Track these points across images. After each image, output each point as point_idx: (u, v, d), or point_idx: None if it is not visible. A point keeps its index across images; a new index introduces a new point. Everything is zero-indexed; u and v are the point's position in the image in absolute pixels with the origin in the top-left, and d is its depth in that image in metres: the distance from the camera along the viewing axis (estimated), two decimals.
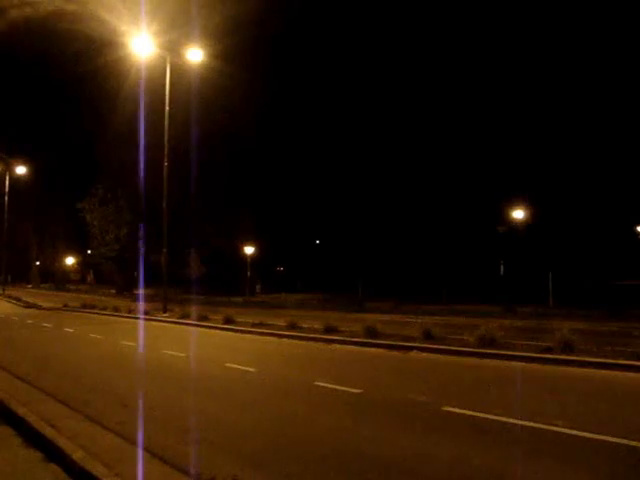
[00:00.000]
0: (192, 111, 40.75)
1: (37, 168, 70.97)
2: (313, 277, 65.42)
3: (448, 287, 47.25)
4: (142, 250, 44.49)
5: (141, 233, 46.06)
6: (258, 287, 63.42)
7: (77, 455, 8.21)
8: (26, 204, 78.72)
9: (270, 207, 64.17)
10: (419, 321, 24.92)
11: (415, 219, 56.86)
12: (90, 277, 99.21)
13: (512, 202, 44.57)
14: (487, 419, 10.10)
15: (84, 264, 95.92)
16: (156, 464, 7.86)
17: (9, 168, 66.29)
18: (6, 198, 65.41)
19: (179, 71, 35.55)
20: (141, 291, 41.76)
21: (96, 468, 7.64)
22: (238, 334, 24.90)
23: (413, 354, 18.06)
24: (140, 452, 8.37)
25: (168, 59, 33.81)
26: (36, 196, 79.30)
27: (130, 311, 35.74)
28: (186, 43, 33.60)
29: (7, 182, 65.47)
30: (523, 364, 15.83)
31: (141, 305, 35.82)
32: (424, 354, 17.95)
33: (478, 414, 10.38)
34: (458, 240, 54.89)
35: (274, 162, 61.23)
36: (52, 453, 8.73)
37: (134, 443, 8.81)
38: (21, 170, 67.28)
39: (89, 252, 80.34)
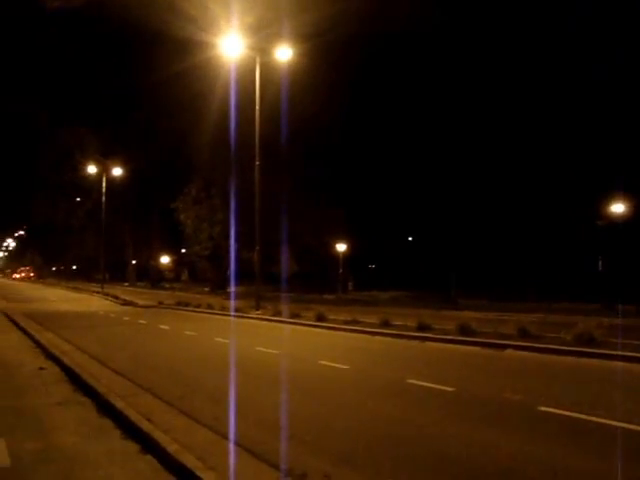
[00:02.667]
0: (282, 109, 41.14)
1: (132, 169, 73.50)
2: (406, 274, 64.93)
3: (544, 284, 46.06)
4: (234, 248, 45.33)
5: (233, 231, 46.92)
6: (350, 284, 63.50)
7: (172, 448, 8.51)
8: (122, 205, 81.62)
9: (362, 204, 64.10)
10: (514, 318, 24.39)
11: (509, 214, 55.66)
12: (184, 275, 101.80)
13: (611, 195, 42.99)
14: (586, 420, 9.83)
15: (179, 262, 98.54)
16: (248, 458, 8.04)
17: (105, 170, 68.91)
18: (103, 199, 68.04)
19: (269, 68, 36.05)
20: (233, 289, 42.59)
21: (190, 461, 7.90)
22: (330, 331, 25.05)
23: (508, 352, 17.74)
24: (232, 446, 8.59)
25: (258, 59, 34.29)
26: (132, 196, 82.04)
27: (223, 308, 36.48)
28: (276, 41, 33.99)
29: (104, 183, 68.09)
30: (624, 364, 15.28)
31: (233, 302, 36.48)
32: (519, 352, 17.59)
33: (576, 415, 10.11)
34: (553, 236, 53.37)
35: (366, 159, 61.13)
36: (148, 445, 9.07)
37: (227, 438, 9.04)
38: (117, 171, 69.82)
39: (183, 251, 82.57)
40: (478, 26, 55.09)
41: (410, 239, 77.44)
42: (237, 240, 49.70)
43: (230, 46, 33.12)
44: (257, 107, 34.33)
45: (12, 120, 77.60)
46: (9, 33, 75.37)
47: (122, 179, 72.39)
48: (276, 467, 7.63)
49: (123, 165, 70.10)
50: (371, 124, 58.13)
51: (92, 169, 72.41)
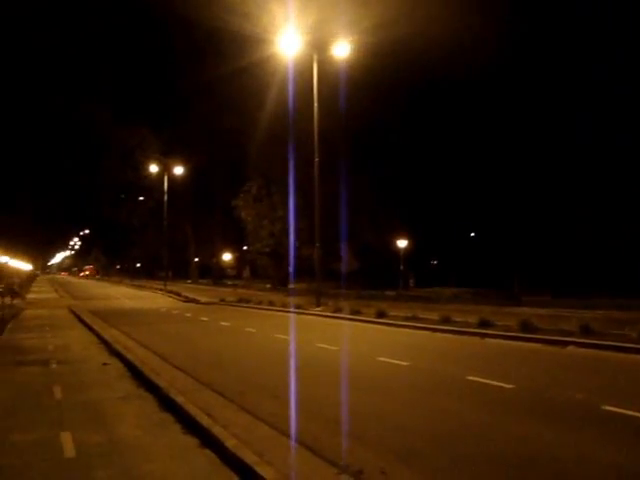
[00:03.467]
0: (340, 105, 41.15)
1: (193, 168, 74.60)
2: (467, 270, 64.24)
3: (608, 280, 44.99)
4: (293, 245, 45.62)
5: (292, 228, 47.20)
6: (411, 281, 63.13)
7: (230, 443, 8.66)
8: (184, 203, 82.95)
9: (423, 199, 63.60)
10: (576, 315, 23.90)
11: (573, 210, 54.47)
12: (246, 272, 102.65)
13: None
14: None
15: (240, 259, 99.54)
16: (306, 454, 8.13)
17: (166, 169, 70.14)
18: (165, 197, 69.29)
19: (327, 65, 36.11)
20: (292, 285, 42.87)
21: (248, 456, 8.03)
22: (391, 328, 25.00)
23: (570, 349, 17.40)
24: (290, 442, 8.69)
25: (316, 57, 34.39)
26: (193, 195, 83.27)
27: (284, 305, 36.76)
28: (334, 37, 34.00)
29: (165, 182, 69.32)
30: None
31: (293, 299, 36.72)
32: (582, 349, 17.21)
33: None
34: (619, 232, 51.98)
35: (428, 154, 60.59)
36: (208, 440, 9.26)
37: (285, 433, 9.15)
38: (178, 170, 71.00)
39: (245, 248, 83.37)
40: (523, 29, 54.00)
41: (472, 235, 76.53)
42: (297, 237, 49.97)
43: (288, 43, 33.29)
44: (315, 104, 34.44)
45: (78, 122, 79.66)
46: (75, 36, 77.38)
47: (183, 177, 73.52)
48: (333, 463, 7.69)
49: (184, 164, 71.20)
50: (432, 119, 57.58)
51: (153, 168, 73.82)
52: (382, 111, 49.82)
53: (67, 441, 9.64)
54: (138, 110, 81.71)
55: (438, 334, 22.20)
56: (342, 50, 33.98)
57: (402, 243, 57.02)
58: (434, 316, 24.98)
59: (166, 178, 69.42)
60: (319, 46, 34.27)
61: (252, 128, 60.95)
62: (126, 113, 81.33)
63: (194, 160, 73.44)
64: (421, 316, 25.68)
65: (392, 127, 54.34)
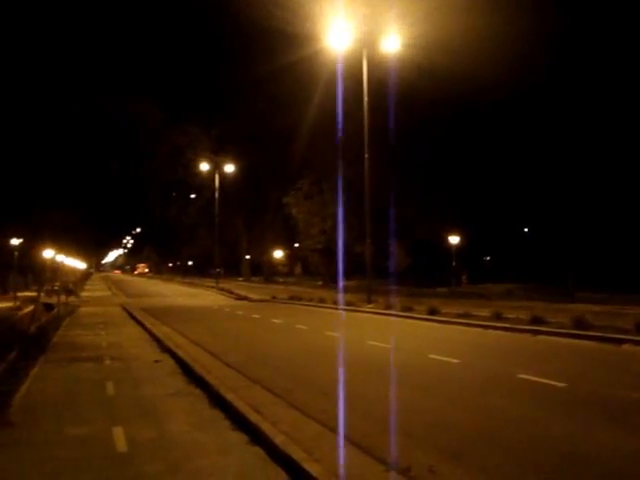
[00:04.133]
0: (390, 100, 41.01)
1: (244, 165, 75.19)
2: (521, 266, 63.26)
3: None
4: (342, 241, 45.64)
5: (340, 225, 47.26)
6: (464, 277, 62.59)
7: (279, 439, 8.75)
8: (235, 200, 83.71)
9: (476, 195, 62.80)
10: (633, 312, 23.39)
11: (630, 203, 53.15)
12: (298, 269, 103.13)
13: None
14: None
15: (292, 257, 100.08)
16: (354, 451, 8.16)
17: (217, 167, 70.92)
18: (216, 195, 70.08)
19: (377, 59, 36.01)
20: (341, 282, 42.89)
21: (296, 453, 8.10)
22: (442, 325, 24.86)
23: (625, 347, 17.03)
24: (339, 439, 8.73)
25: (365, 52, 34.35)
26: (244, 192, 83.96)
27: (335, 302, 36.83)
28: (384, 31, 33.88)
29: (216, 180, 70.11)
30: None
31: (342, 296, 36.75)
32: (638, 347, 16.85)
33: None
34: None
35: (478, 149, 59.84)
36: (256, 437, 9.37)
37: (334, 430, 9.21)
38: (229, 168, 71.70)
39: (296, 245, 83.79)
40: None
41: (526, 230, 75.36)
42: (349, 234, 50.00)
43: (337, 39, 33.34)
44: (365, 98, 34.43)
45: (129, 121, 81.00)
46: (125, 35, 78.58)
47: (234, 175, 74.17)
48: (381, 460, 7.71)
49: (235, 161, 71.84)
50: (484, 111, 56.84)
51: (204, 166, 74.63)
52: (432, 105, 49.40)
53: (119, 436, 9.87)
54: (188, 109, 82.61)
55: (490, 331, 22.00)
56: (392, 45, 33.85)
57: (454, 239, 56.60)
58: (486, 313, 24.78)
59: (217, 176, 70.18)
60: (369, 41, 34.19)
61: (302, 124, 61.16)
62: (176, 112, 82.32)
63: (245, 158, 74.00)
64: (473, 313, 25.51)
65: (443, 121, 53.85)
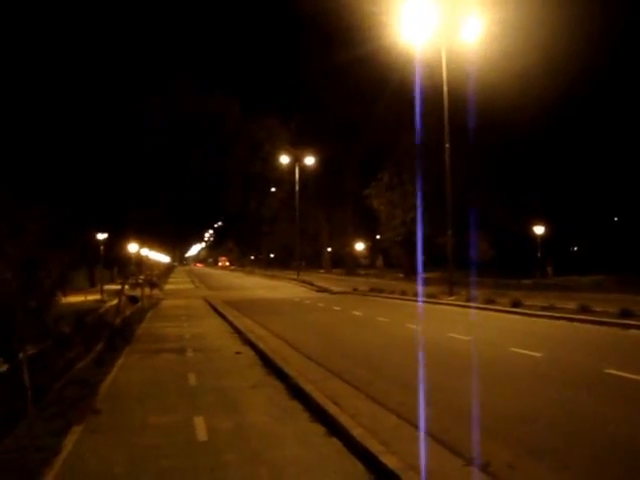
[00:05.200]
0: (470, 88, 40.42)
1: (324, 157, 75.48)
2: (610, 257, 61.28)
3: None
4: (420, 232, 45.29)
5: (419, 216, 46.90)
6: (549, 268, 61.07)
7: (356, 432, 8.85)
8: (315, 193, 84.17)
9: (562, 183, 61.23)
10: None
11: None
12: (379, 261, 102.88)
13: None
14: None
15: (373, 249, 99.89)
16: (432, 445, 8.18)
17: (297, 159, 71.49)
18: (296, 187, 70.69)
19: (456, 47, 35.53)
20: (421, 275, 42.62)
21: (373, 445, 8.18)
22: (525, 318, 24.40)
23: None
24: (417, 432, 8.76)
25: (444, 42, 33.99)
26: (325, 184, 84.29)
27: (416, 294, 36.62)
28: (464, 20, 33.39)
29: (296, 173, 70.72)
30: None
31: (423, 288, 36.47)
32: None
33: None
34: None
35: (565, 136, 58.26)
36: (334, 428, 9.50)
37: (412, 423, 9.24)
38: (309, 160, 72.17)
39: (377, 237, 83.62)
40: None
41: (616, 219, 72.94)
42: (430, 225, 49.61)
43: (416, 28, 33.07)
44: (444, 87, 34.06)
45: (208, 115, 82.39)
46: (203, 30, 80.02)
47: (314, 167, 74.59)
48: (460, 455, 7.70)
49: (314, 154, 72.23)
50: (569, 97, 55.28)
51: (283, 159, 75.31)
52: (515, 90, 48.32)
53: (200, 425, 10.19)
54: (267, 102, 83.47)
55: (576, 324, 21.47)
56: (471, 34, 33.34)
57: (539, 229, 55.35)
58: (572, 305, 24.17)
59: (297, 169, 70.75)
60: (447, 30, 33.78)
61: (381, 115, 60.94)
62: (255, 106, 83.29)
63: (324, 149, 74.25)
64: (558, 305, 24.93)
65: (526, 108, 52.63)
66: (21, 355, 11.30)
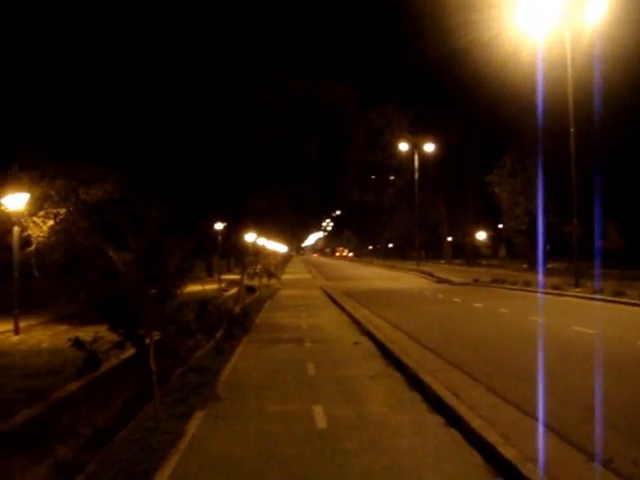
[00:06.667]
0: (596, 70, 39.05)
1: (443, 144, 74.79)
2: None
3: None
4: (542, 222, 44.21)
5: (540, 203, 45.75)
6: None
7: (475, 423, 8.99)
8: (435, 181, 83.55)
9: None
10: None
11: None
12: (501, 251, 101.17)
13: None
14: None
15: (495, 238, 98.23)
16: (552, 438, 8.23)
17: (416, 147, 71.19)
18: (415, 176, 70.43)
19: (579, 30, 34.47)
20: (544, 265, 41.64)
21: (492, 436, 8.31)
22: None
23: None
24: (537, 425, 8.80)
25: (568, 24, 33.07)
26: (445, 172, 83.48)
27: (540, 285, 35.93)
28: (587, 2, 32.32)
29: (416, 161, 70.45)
30: None
31: (547, 280, 35.64)
32: None
33: None
34: None
35: None
36: (452, 419, 9.68)
37: (532, 417, 9.29)
38: (428, 148, 71.74)
39: (500, 226, 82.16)
40: None
41: None
42: (554, 214, 48.42)
43: (537, 11, 32.37)
44: (569, 70, 33.15)
45: (325, 105, 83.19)
46: (320, 17, 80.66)
47: (434, 155, 74.07)
48: (581, 449, 7.71)
49: (434, 141, 71.73)
50: None
51: (403, 147, 75.13)
52: None
53: (319, 413, 10.59)
54: (384, 89, 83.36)
55: None
56: (595, 14, 32.25)
57: None
58: None
59: (416, 156, 70.48)
60: (570, 11, 32.79)
61: (502, 99, 59.70)
62: (373, 93, 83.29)
63: (444, 136, 73.57)
64: None
65: None
66: (147, 340, 12.09)
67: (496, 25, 42.39)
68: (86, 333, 12.21)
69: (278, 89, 66.34)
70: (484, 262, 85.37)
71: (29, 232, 20.70)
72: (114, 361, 12.15)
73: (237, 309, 27.17)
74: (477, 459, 8.05)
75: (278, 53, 66.67)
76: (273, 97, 64.70)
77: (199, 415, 10.74)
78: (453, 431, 9.24)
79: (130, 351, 12.26)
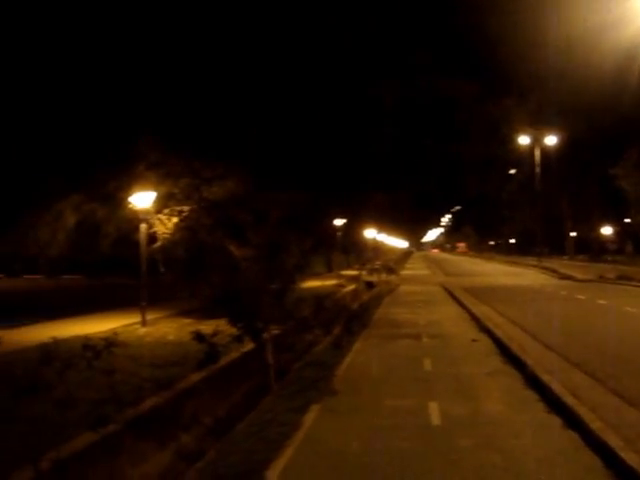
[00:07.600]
0: None
1: (566, 137, 72.38)
2: None
3: None
4: None
5: None
6: None
7: (595, 425, 8.66)
8: (558, 174, 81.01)
9: None
10: None
11: None
12: (628, 247, 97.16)
13: None
14: None
15: (621, 233, 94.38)
16: None
17: (536, 140, 69.20)
18: (537, 170, 68.48)
19: None
20: None
21: (613, 440, 7.98)
22: None
23: None
24: None
25: None
26: (568, 165, 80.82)
27: None
28: None
29: (537, 154, 68.47)
30: None
31: None
32: None
33: None
34: None
35: None
36: (572, 421, 9.36)
37: None
38: (550, 140, 69.59)
39: (627, 221, 78.90)
40: None
41: None
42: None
43: None
44: None
45: (444, 99, 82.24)
46: (445, 13, 79.86)
47: (555, 148, 71.84)
48: None
49: (555, 133, 69.55)
50: None
51: (522, 140, 73.20)
52: None
53: (434, 410, 10.51)
54: (503, 82, 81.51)
55: None
56: None
57: None
58: None
59: (537, 150, 68.55)
60: None
61: (626, 88, 57.17)
62: (491, 86, 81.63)
63: (566, 128, 71.20)
64: None
65: None
66: (265, 335, 12.32)
67: (620, 8, 40.64)
68: (208, 327, 12.62)
69: (399, 84, 66.07)
70: (609, 258, 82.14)
71: (155, 229, 21.40)
72: (235, 354, 12.42)
73: (355, 305, 27.35)
74: (597, 463, 7.76)
75: (398, 48, 66.41)
76: (394, 92, 64.52)
77: (315, 408, 10.89)
78: (572, 433, 8.94)
79: (251, 345, 12.57)
